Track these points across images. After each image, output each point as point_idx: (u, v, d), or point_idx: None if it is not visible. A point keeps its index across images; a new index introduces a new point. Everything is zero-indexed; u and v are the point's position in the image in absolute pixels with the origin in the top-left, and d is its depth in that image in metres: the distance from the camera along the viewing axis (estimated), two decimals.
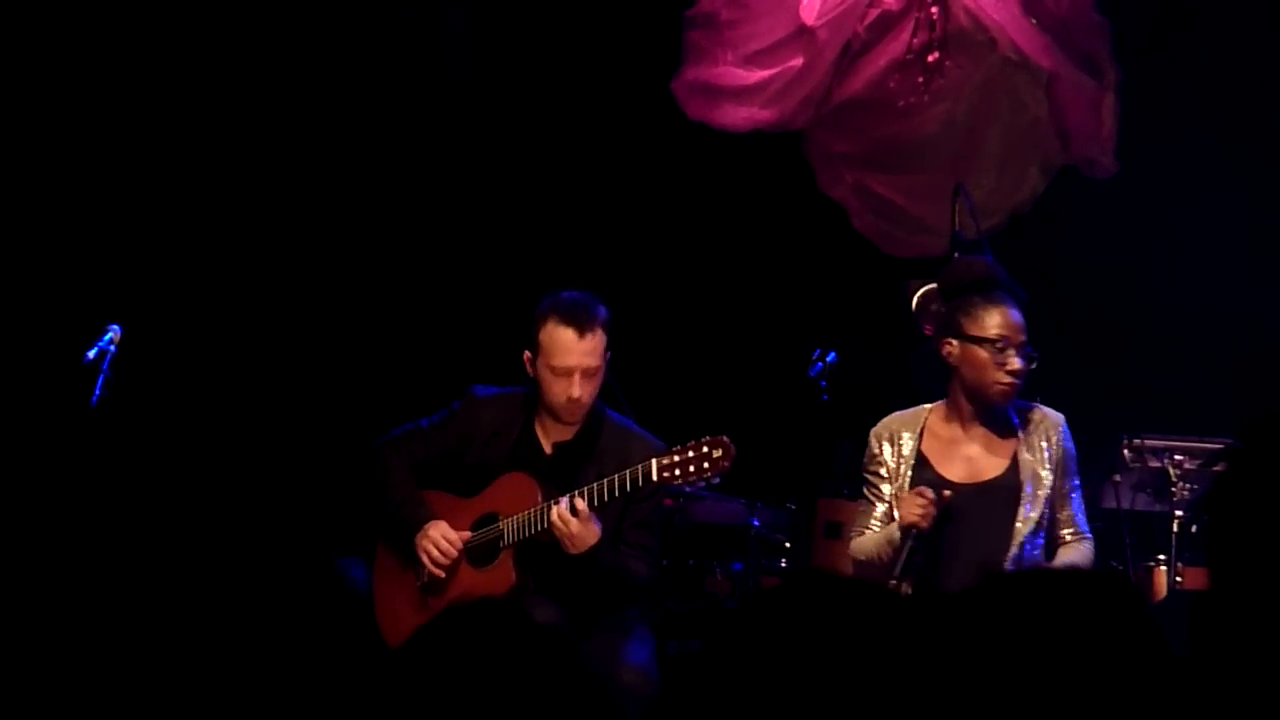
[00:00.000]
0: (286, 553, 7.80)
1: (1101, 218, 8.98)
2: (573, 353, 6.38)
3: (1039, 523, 6.13)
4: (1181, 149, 8.87)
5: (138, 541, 8.38)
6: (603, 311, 6.49)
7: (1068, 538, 6.21)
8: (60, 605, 6.80)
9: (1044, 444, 6.20)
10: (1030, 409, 6.28)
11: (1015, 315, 6.15)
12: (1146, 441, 7.76)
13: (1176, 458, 7.71)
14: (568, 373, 6.40)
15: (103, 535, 7.99)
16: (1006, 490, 6.16)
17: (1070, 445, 6.26)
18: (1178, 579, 7.58)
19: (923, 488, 6.08)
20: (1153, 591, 7.78)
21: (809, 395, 8.12)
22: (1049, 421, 6.25)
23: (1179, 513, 7.64)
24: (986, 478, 6.21)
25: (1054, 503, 6.19)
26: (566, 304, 6.46)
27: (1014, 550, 6.09)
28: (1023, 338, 6.12)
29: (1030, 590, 2.38)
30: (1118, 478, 7.74)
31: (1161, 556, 7.79)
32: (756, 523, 8.46)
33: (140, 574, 8.25)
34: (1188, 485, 7.69)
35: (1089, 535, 6.26)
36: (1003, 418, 6.24)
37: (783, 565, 8.63)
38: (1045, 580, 2.41)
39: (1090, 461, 7.95)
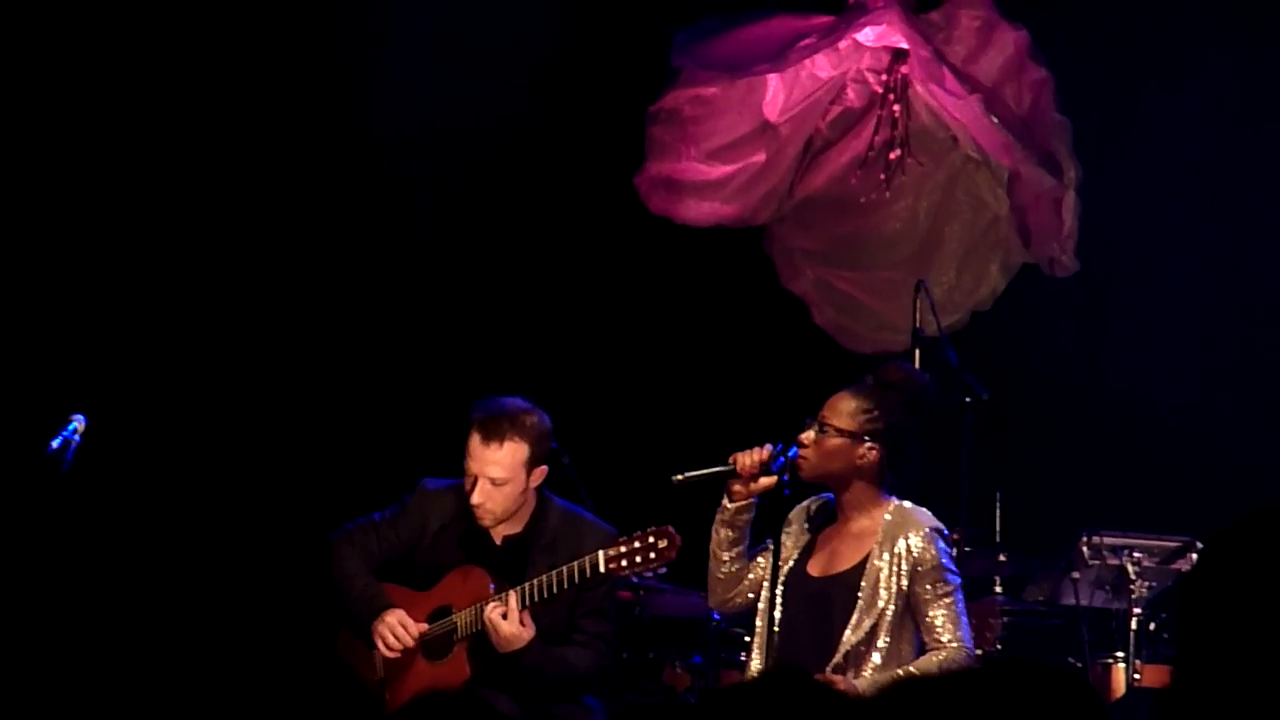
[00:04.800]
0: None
1: (1062, 315, 9.02)
2: (475, 459, 6.36)
3: (873, 634, 5.86)
4: (1140, 246, 8.93)
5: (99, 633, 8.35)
6: (529, 422, 6.39)
7: (930, 645, 5.85)
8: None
9: (900, 550, 5.87)
10: (906, 512, 5.99)
11: (839, 397, 6.18)
12: (1105, 539, 7.76)
13: (1135, 555, 7.70)
14: (473, 477, 6.39)
15: (62, 630, 7.96)
16: (846, 589, 5.92)
17: (938, 550, 5.88)
18: (1136, 676, 7.58)
19: None
20: (1110, 689, 7.77)
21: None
22: (913, 525, 5.92)
23: (1137, 610, 7.63)
24: (836, 570, 5.99)
25: (915, 609, 5.87)
26: (487, 410, 6.40)
27: (838, 658, 5.83)
28: (825, 414, 6.14)
29: (993, 683, 2.40)
30: (1076, 574, 7.73)
31: (1119, 654, 7.78)
32: (716, 616, 8.45)
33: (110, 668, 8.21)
34: (1146, 582, 7.68)
35: (957, 644, 5.83)
36: (872, 515, 5.99)
37: (742, 659, 8.61)
38: (1007, 674, 2.42)
39: (1049, 558, 7.98)
